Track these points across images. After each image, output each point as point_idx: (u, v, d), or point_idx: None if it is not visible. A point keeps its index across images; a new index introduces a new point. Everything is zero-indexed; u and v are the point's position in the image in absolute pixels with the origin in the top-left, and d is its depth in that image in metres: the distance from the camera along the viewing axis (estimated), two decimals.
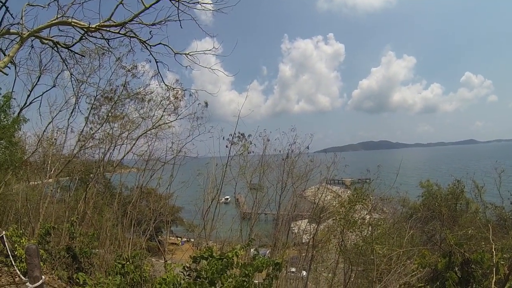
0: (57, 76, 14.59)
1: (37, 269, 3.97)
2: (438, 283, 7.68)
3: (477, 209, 20.32)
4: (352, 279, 11.99)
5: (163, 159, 12.95)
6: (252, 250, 5.91)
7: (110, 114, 14.69)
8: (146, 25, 5.76)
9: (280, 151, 13.90)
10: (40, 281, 3.96)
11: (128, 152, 14.64)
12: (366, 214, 13.71)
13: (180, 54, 6.22)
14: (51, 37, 6.52)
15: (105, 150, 14.80)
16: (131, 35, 5.88)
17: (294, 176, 14.01)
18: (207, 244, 10.73)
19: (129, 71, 14.31)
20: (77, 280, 7.18)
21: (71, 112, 14.88)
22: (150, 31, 5.83)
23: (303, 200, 16.33)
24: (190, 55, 6.20)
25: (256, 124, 12.63)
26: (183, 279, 4.86)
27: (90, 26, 5.65)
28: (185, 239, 19.74)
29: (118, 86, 14.64)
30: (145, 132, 14.67)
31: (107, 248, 10.33)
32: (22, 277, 6.36)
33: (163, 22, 5.76)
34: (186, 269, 5.15)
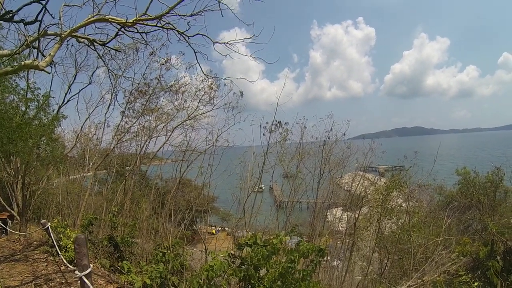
0: (92, 74, 15.02)
1: (85, 258, 4.15)
2: (479, 272, 7.69)
3: None
4: (387, 268, 12.03)
5: (200, 150, 13.22)
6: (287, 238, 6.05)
7: (145, 108, 15.11)
8: (184, 16, 5.89)
9: (317, 138, 13.97)
10: (89, 269, 4.15)
11: (164, 144, 15.06)
12: (403, 201, 13.67)
13: (220, 43, 6.33)
14: (87, 35, 6.76)
15: (141, 143, 15.27)
16: (168, 27, 6.04)
17: (331, 163, 14.09)
18: (248, 232, 10.96)
19: (163, 64, 14.63)
20: (120, 268, 7.58)
21: (108, 107, 15.37)
22: (188, 22, 5.94)
23: (338, 187, 16.40)
24: (229, 43, 6.34)
25: (289, 112, 12.69)
26: (229, 266, 5.04)
27: (127, 21, 5.82)
28: (220, 228, 20.15)
29: (152, 79, 15.01)
30: (181, 124, 15.00)
31: (144, 237, 10.75)
32: (69, 265, 6.76)
33: (200, 13, 5.90)
34: (231, 256, 5.38)
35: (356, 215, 12.97)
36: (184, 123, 15.01)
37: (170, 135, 14.96)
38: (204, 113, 15.04)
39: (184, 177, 13.13)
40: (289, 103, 11.75)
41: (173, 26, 6.04)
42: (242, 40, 6.43)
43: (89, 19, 5.88)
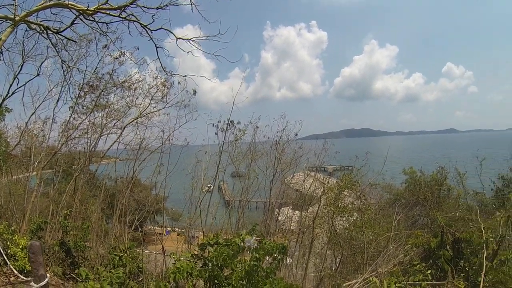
0: (41, 64, 14.16)
1: (42, 267, 3.92)
2: (431, 261, 8.19)
3: (460, 195, 21.16)
4: (341, 264, 12.41)
5: (152, 148, 13.09)
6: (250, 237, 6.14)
7: (95, 103, 14.60)
8: (149, 8, 5.76)
9: (269, 138, 14.19)
10: (46, 280, 3.93)
11: (115, 142, 14.61)
12: (355, 200, 14.12)
13: (183, 39, 6.25)
14: (40, 21, 6.40)
15: (90, 141, 14.73)
16: (131, 19, 5.87)
17: (283, 163, 14.35)
18: (203, 232, 10.94)
19: (116, 58, 14.14)
20: (75, 275, 7.25)
21: (56, 102, 14.40)
22: (153, 15, 5.83)
23: (290, 187, 16.71)
24: (192, 40, 6.25)
25: (238, 111, 12.84)
26: (194, 267, 4.99)
27: (88, 8, 5.60)
28: (170, 229, 19.83)
29: (104, 74, 14.40)
30: (133, 121, 14.56)
31: (95, 241, 10.39)
32: (20, 276, 6.28)
33: (166, 7, 5.80)
34: (194, 256, 5.37)
35: (313, 213, 13.26)
36: (136, 120, 14.62)
37: (121, 133, 14.51)
38: (156, 111, 14.76)
39: (136, 176, 12.92)
40: (238, 103, 11.88)
41: (136, 18, 5.89)
42: (206, 37, 6.38)
43: (44, 2, 5.61)
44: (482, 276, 6.55)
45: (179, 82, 12.93)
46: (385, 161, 15.08)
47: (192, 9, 5.88)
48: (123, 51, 13.78)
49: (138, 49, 13.61)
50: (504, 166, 22.35)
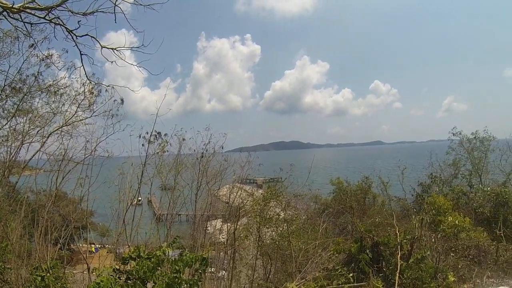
0: None
1: None
2: (353, 264, 8.75)
3: (383, 202, 22.87)
4: (272, 274, 12.66)
5: (77, 159, 12.42)
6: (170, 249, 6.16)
7: (18, 108, 13.69)
8: (76, 13, 5.57)
9: (194, 150, 14.21)
10: None
11: (38, 151, 13.74)
12: (281, 210, 14.50)
13: (108, 48, 6.13)
14: None
15: (11, 149, 13.75)
16: (57, 22, 5.70)
17: (209, 175, 14.43)
18: (130, 247, 10.64)
19: (43, 60, 13.27)
20: None
21: None
22: (79, 21, 5.65)
23: (217, 199, 16.82)
24: (117, 50, 6.14)
25: (168, 122, 12.65)
26: (116, 282, 4.93)
27: (13, 6, 5.37)
28: (99, 245, 18.98)
29: (28, 75, 13.56)
30: (58, 129, 13.69)
31: (14, 261, 9.75)
32: None
33: (93, 13, 5.67)
34: (116, 271, 5.30)
35: (237, 225, 13.43)
36: (61, 129, 13.79)
37: (45, 142, 13.65)
38: (83, 119, 14.11)
39: (60, 189, 12.30)
40: (168, 113, 11.74)
41: (62, 22, 5.72)
42: (130, 48, 6.31)
43: None
44: (397, 274, 7.14)
45: (106, 90, 12.43)
46: (309, 172, 15.65)
47: (115, 19, 5.80)
48: (50, 53, 13.04)
49: (67, 52, 12.83)
50: (424, 174, 24.34)
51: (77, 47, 6.13)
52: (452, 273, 8.47)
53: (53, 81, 14.04)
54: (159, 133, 12.18)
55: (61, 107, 14.16)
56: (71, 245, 12.65)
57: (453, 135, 27.11)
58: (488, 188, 19.32)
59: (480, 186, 21.80)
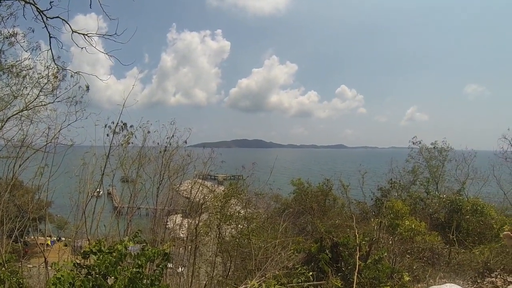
0: None
1: None
2: (312, 263, 9.04)
3: (343, 204, 23.62)
4: (231, 271, 12.79)
5: (37, 146, 11.96)
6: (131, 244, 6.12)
7: None
8: None
9: (158, 143, 14.14)
10: None
11: None
12: (241, 208, 14.65)
13: (79, 33, 5.98)
14: None
15: None
16: (28, 1, 5.53)
17: (171, 169, 14.40)
18: (90, 240, 10.43)
19: (7, 38, 12.65)
20: None
21: None
22: (51, 2, 5.53)
23: (178, 194, 16.80)
24: (88, 36, 6.03)
25: (132, 113, 12.42)
26: (76, 277, 4.90)
27: None
28: (55, 238, 18.47)
29: None
30: (17, 113, 13.07)
31: None
32: None
33: None
34: (76, 266, 5.25)
35: (197, 222, 13.48)
36: (21, 113, 13.17)
37: (3, 125, 13.06)
38: (45, 104, 13.58)
39: (17, 177, 11.87)
40: (132, 105, 11.54)
41: (33, 1, 5.56)
42: (102, 35, 6.17)
43: None
44: (356, 274, 7.46)
45: (72, 75, 11.99)
46: (271, 172, 15.83)
47: (90, 5, 5.66)
48: (16, 31, 12.37)
49: (33, 31, 12.19)
50: (384, 179, 25.34)
51: (47, 29, 5.94)
52: (407, 273, 9.07)
53: (16, 61, 13.33)
54: (125, 124, 11.94)
55: (22, 90, 13.54)
56: (26, 237, 12.16)
57: (414, 144, 28.73)
58: (444, 196, 20.66)
59: (436, 193, 23.24)
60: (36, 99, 13.38)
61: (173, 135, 14.01)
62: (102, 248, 5.08)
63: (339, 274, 8.50)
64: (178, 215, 17.18)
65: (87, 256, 5.09)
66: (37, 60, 13.14)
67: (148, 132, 13.52)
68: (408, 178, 26.50)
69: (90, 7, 5.59)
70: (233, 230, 14.44)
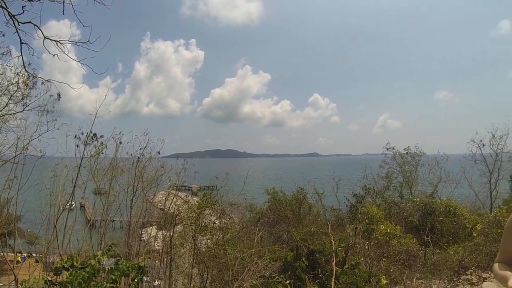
0: None
1: None
2: (289, 272, 9.07)
3: (318, 212, 23.89)
4: (208, 282, 12.69)
5: (5, 157, 11.55)
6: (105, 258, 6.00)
7: None
8: None
9: (131, 154, 14.01)
10: None
11: None
12: (216, 219, 14.59)
13: (51, 39, 5.85)
14: None
15: None
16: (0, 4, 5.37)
17: (145, 181, 14.27)
18: (62, 255, 10.14)
19: None
20: None
21: None
22: (23, 6, 5.36)
23: (152, 206, 16.63)
24: (60, 43, 5.88)
25: (105, 123, 12.20)
26: None
27: None
28: (25, 255, 17.84)
29: None
30: None
31: None
32: None
33: (40, 0, 5.41)
34: (48, 283, 5.12)
35: (172, 233, 13.35)
36: None
37: None
38: (14, 113, 13.13)
39: None
40: (104, 115, 11.38)
41: (5, 5, 5.41)
42: (75, 42, 6.04)
43: None
44: (333, 280, 7.50)
45: (43, 83, 11.62)
46: (245, 182, 15.86)
47: (63, 11, 5.56)
48: None
49: (4, 35, 11.82)
50: (358, 185, 25.83)
51: (18, 34, 5.79)
52: (384, 276, 9.31)
53: None
54: (95, 134, 11.77)
55: None
56: None
57: (387, 150, 29.46)
58: (417, 199, 21.30)
59: (410, 197, 23.90)
60: (5, 108, 12.91)
61: (146, 146, 13.94)
62: (75, 263, 4.97)
63: (316, 281, 8.58)
64: (153, 227, 17.00)
65: (59, 272, 5.00)
66: (7, 66, 12.76)
67: (121, 142, 13.41)
68: (382, 183, 27.15)
69: (63, 14, 5.48)
70: (208, 240, 14.36)
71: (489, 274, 10.65)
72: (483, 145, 24.40)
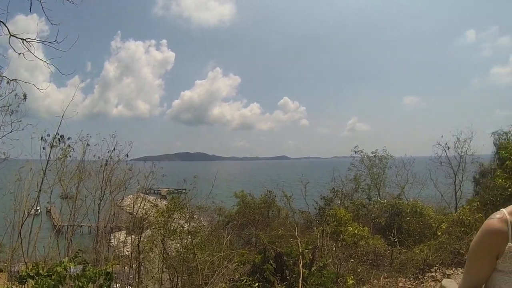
0: None
1: None
2: (258, 274, 9.17)
3: (287, 215, 24.19)
4: (179, 287, 12.65)
5: None
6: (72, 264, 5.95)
7: None
8: None
9: (99, 157, 13.85)
10: None
11: None
12: (185, 222, 14.57)
13: (18, 37, 5.73)
14: None
15: None
16: None
17: (113, 184, 14.12)
18: (27, 263, 9.91)
19: None
20: None
21: None
22: None
23: (121, 210, 16.45)
24: (27, 41, 5.77)
25: (73, 125, 11.99)
26: None
27: None
28: None
29: None
30: None
31: None
32: None
33: None
34: None
35: (139, 238, 13.25)
36: None
37: None
38: None
39: None
40: (72, 116, 11.18)
41: None
42: (42, 42, 5.94)
43: None
44: (300, 281, 7.66)
45: (8, 82, 11.30)
46: (213, 185, 15.96)
47: (30, 8, 5.48)
48: None
49: None
50: (326, 188, 26.20)
51: None
52: (352, 276, 9.67)
53: None
54: (61, 136, 11.57)
55: None
56: None
57: (355, 152, 30.04)
58: (385, 200, 21.89)
59: (378, 198, 24.53)
60: None
61: (114, 149, 13.80)
62: (40, 271, 4.93)
63: (284, 283, 8.70)
64: (122, 231, 16.81)
65: (24, 281, 4.95)
66: None
67: (88, 145, 13.25)
68: (350, 186, 27.70)
69: (30, 11, 5.41)
70: (178, 245, 14.32)
71: (453, 271, 11.13)
72: (448, 148, 25.41)
